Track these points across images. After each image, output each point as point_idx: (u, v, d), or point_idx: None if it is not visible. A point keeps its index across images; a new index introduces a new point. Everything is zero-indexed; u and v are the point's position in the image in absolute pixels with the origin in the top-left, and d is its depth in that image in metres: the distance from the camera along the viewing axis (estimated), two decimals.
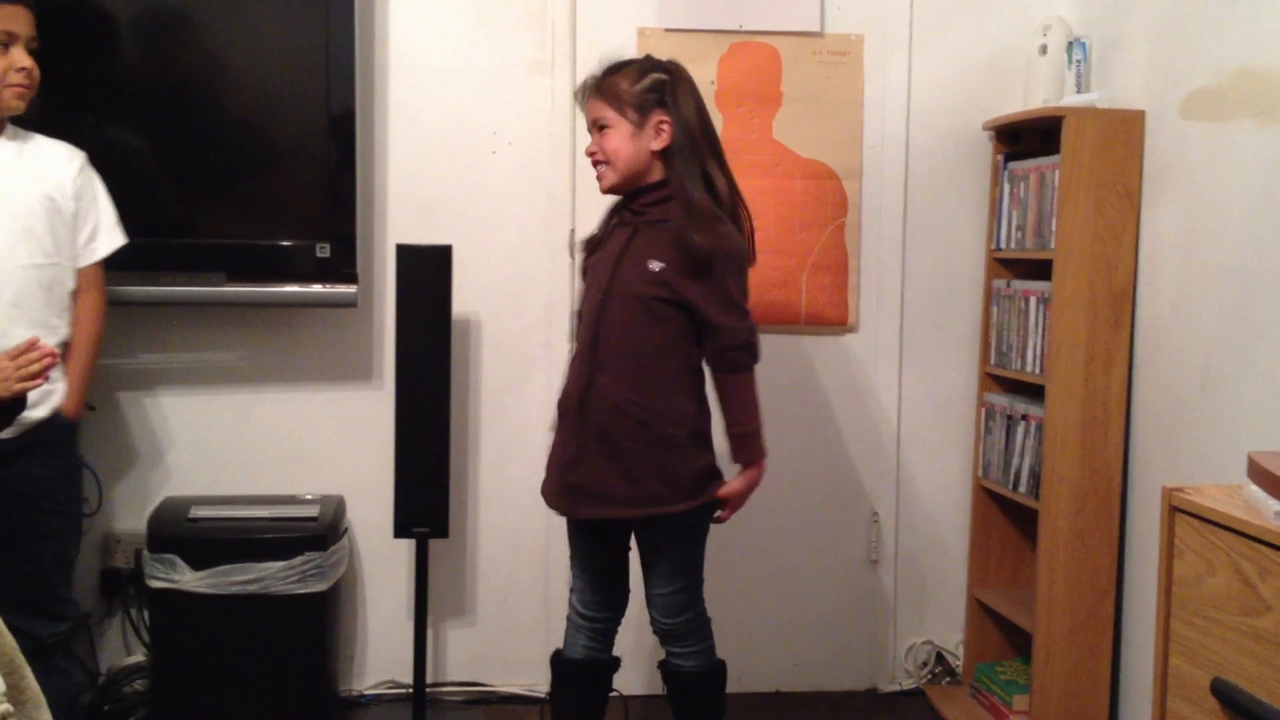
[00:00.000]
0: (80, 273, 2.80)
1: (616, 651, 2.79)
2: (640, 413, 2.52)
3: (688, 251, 2.49)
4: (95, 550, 3.32)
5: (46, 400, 2.71)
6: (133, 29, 3.18)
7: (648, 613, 2.69)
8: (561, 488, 2.62)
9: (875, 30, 3.50)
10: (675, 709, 2.77)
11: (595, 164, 2.62)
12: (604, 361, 2.55)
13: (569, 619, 2.76)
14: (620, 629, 2.78)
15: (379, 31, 3.36)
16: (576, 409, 2.57)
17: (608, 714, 2.80)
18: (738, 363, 2.58)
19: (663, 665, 2.73)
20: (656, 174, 2.58)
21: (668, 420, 2.54)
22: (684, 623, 2.65)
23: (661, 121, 2.56)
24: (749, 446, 2.61)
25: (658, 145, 2.56)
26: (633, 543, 2.71)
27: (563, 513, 2.66)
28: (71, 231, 2.77)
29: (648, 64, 2.61)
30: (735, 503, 2.63)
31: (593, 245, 2.70)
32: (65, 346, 2.76)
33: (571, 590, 2.75)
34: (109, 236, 2.86)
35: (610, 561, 2.71)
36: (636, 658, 3.43)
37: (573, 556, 2.74)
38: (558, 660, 2.76)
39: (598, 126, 2.60)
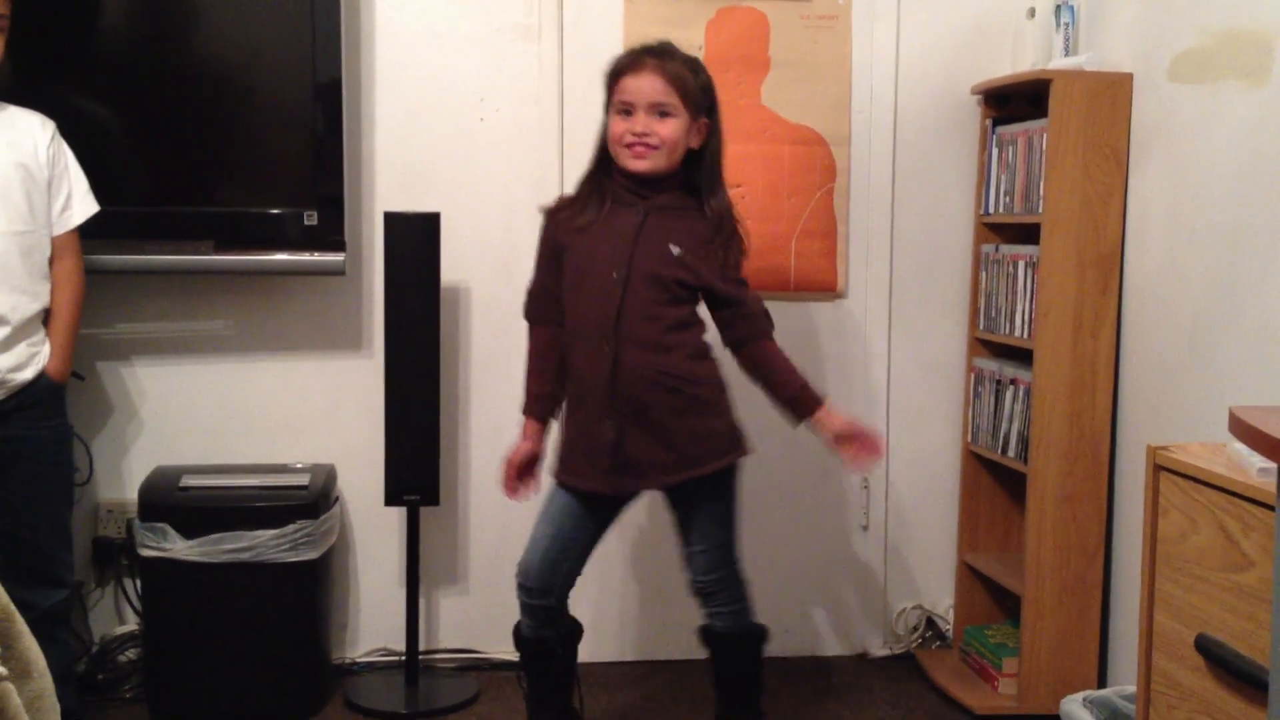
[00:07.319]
0: (55, 240, 2.83)
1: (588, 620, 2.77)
2: (668, 381, 2.57)
3: (720, 256, 2.60)
4: (86, 520, 3.32)
5: (32, 362, 2.75)
6: None
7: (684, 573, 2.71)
8: (609, 469, 2.59)
9: None
10: (714, 673, 2.80)
11: (637, 144, 2.56)
12: (628, 337, 2.56)
13: (524, 603, 2.69)
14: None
15: None
16: (608, 388, 2.56)
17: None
18: (766, 330, 2.66)
19: (701, 630, 2.77)
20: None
21: (694, 382, 2.60)
22: (717, 579, 2.68)
23: (705, 124, 2.62)
24: (810, 394, 2.63)
25: (694, 144, 2.62)
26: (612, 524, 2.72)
27: (612, 493, 2.64)
28: (46, 199, 2.80)
29: (696, 62, 2.65)
30: (857, 433, 2.62)
31: (577, 222, 2.64)
32: (46, 313, 2.80)
33: (523, 574, 2.67)
34: (82, 204, 2.88)
35: (591, 538, 2.69)
36: (604, 625, 3.45)
37: (542, 536, 2.66)
38: (521, 639, 2.72)
39: (657, 110, 2.55)
